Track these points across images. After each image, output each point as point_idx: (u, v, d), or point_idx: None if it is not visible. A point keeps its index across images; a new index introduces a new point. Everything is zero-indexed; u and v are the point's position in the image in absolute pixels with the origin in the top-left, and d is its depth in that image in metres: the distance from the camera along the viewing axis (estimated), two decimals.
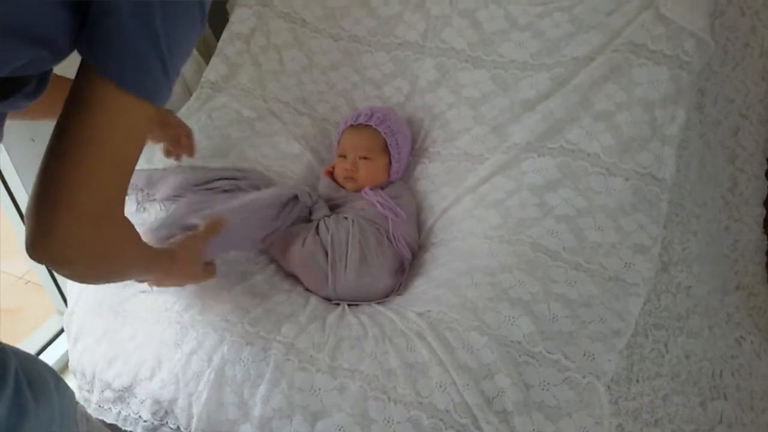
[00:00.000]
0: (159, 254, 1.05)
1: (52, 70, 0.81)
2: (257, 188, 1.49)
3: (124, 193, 0.79)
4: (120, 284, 1.34)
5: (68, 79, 0.87)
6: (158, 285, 1.19)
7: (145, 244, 0.89)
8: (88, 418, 1.02)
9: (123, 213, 0.81)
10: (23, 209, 1.71)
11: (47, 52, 0.74)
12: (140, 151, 0.79)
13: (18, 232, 1.77)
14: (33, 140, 1.61)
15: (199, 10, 0.76)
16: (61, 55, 0.76)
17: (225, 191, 1.46)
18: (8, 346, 0.83)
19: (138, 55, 0.71)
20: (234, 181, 1.49)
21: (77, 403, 0.96)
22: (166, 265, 1.08)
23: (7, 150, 1.57)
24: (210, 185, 1.47)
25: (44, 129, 1.63)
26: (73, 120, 0.73)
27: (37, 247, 0.74)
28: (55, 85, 0.91)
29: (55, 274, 1.84)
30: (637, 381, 1.19)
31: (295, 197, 1.46)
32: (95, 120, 0.72)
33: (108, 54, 0.70)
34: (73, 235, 0.73)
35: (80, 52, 0.73)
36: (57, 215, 0.72)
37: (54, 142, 0.74)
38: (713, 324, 1.35)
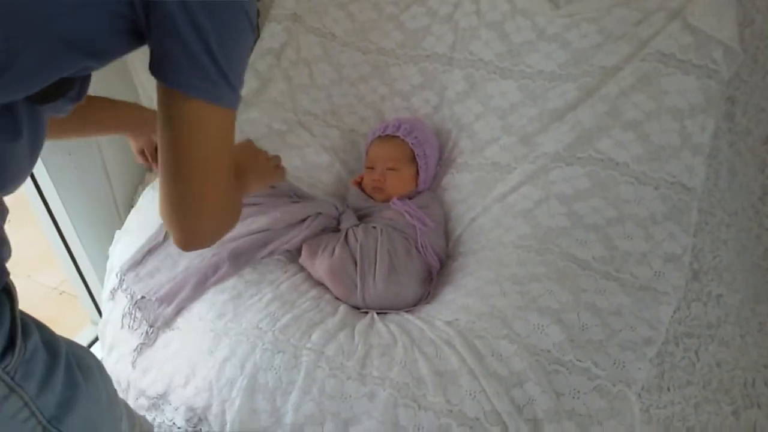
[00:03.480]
0: (241, 185, 1.15)
1: (90, 76, 0.87)
2: (289, 197, 1.52)
3: (231, 176, 0.90)
4: None
5: (95, 97, 1.01)
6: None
7: (233, 185, 0.96)
8: (125, 403, 1.09)
9: (233, 186, 0.92)
10: (59, 221, 1.75)
11: (98, 62, 0.81)
12: (232, 146, 0.89)
13: (53, 243, 1.81)
14: (70, 154, 1.65)
15: (247, 19, 0.81)
16: (108, 62, 0.83)
17: (253, 204, 1.50)
18: (57, 334, 0.90)
19: (204, 70, 0.78)
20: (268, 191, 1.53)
21: (115, 389, 1.03)
22: (249, 185, 1.20)
23: (44, 164, 1.61)
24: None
25: (81, 143, 1.67)
26: (173, 143, 0.81)
27: (192, 245, 0.88)
28: (86, 104, 0.98)
29: (89, 285, 1.88)
30: (668, 389, 1.19)
31: (318, 213, 1.50)
32: (194, 136, 0.81)
33: (183, 76, 0.78)
34: (215, 226, 0.89)
35: (156, 77, 0.80)
36: (198, 222, 0.86)
37: (168, 163, 0.83)
38: (745, 333, 1.34)
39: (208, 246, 0.91)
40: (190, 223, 0.86)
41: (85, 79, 0.87)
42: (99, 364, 0.97)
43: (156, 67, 0.79)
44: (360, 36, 1.89)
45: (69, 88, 0.83)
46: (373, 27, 1.88)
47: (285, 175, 1.35)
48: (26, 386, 0.80)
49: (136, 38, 0.81)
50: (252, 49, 0.84)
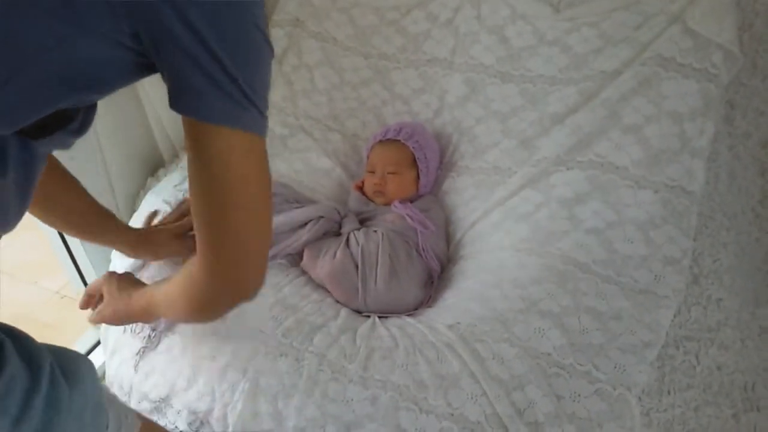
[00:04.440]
0: None
1: (96, 106, 0.83)
2: (290, 202, 1.53)
3: (271, 210, 0.84)
4: None
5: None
6: None
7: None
8: (112, 400, 1.03)
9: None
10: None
11: (97, 94, 0.77)
12: (270, 180, 0.82)
13: (56, 248, 1.81)
14: (72, 159, 1.65)
15: (261, 36, 0.76)
16: (110, 94, 0.79)
17: None
18: (43, 344, 0.86)
19: (227, 97, 0.73)
20: None
21: (102, 386, 0.98)
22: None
23: None
24: None
25: (83, 146, 1.67)
26: (203, 184, 0.77)
27: (242, 294, 0.84)
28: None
29: None
30: (669, 392, 1.19)
31: (320, 217, 1.50)
32: (220, 170, 0.75)
33: (204, 103, 0.73)
34: (261, 274, 0.84)
35: (177, 110, 0.75)
36: (246, 266, 0.81)
37: (199, 214, 0.79)
38: (745, 336, 1.34)
39: (257, 291, 0.85)
40: (240, 267, 0.80)
41: (89, 110, 0.81)
42: (90, 370, 0.92)
43: (176, 102, 0.74)
44: (361, 41, 1.90)
45: (69, 121, 0.78)
46: (374, 32, 1.89)
47: None
48: None
49: (143, 70, 0.76)
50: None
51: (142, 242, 1.36)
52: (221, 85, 0.72)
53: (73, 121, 0.78)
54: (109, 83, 0.77)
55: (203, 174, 0.77)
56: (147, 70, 0.76)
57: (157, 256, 1.40)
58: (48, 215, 1.21)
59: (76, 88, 0.72)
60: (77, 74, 0.71)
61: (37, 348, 0.84)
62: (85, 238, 1.42)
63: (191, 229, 1.34)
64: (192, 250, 1.35)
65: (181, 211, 1.47)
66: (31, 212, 1.18)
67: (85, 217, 1.22)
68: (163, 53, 0.71)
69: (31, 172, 0.78)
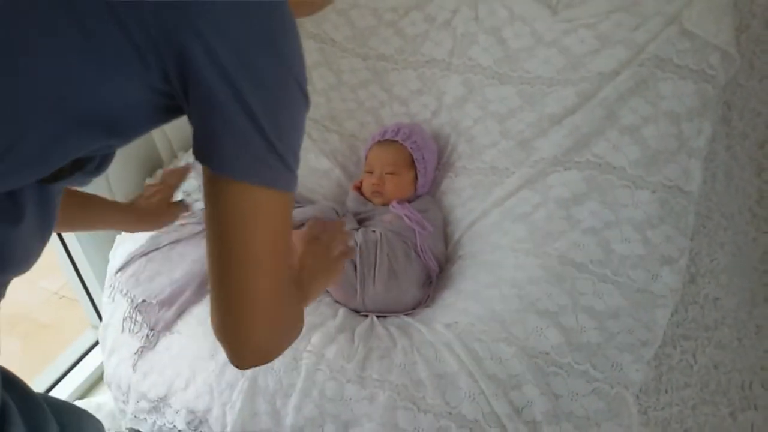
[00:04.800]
0: (305, 294, 1.00)
1: (114, 151, 0.80)
2: None
3: (288, 276, 0.79)
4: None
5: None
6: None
7: (293, 293, 0.85)
8: None
9: (291, 289, 0.81)
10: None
11: (122, 140, 0.74)
12: (291, 237, 0.77)
13: (54, 247, 1.81)
14: None
15: (299, 89, 0.71)
16: (134, 139, 0.76)
17: None
18: (48, 399, 0.84)
19: (254, 152, 0.68)
20: None
21: None
22: (314, 291, 1.05)
23: None
24: None
25: None
26: (220, 237, 0.71)
27: (247, 360, 0.76)
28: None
29: (89, 288, 1.89)
30: (666, 391, 1.20)
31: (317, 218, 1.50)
32: (245, 225, 0.70)
33: (230, 157, 0.68)
34: (272, 335, 0.76)
35: (200, 160, 0.70)
36: (252, 331, 0.73)
37: (217, 261, 0.72)
38: (742, 335, 1.35)
39: (266, 363, 0.79)
40: (244, 331, 0.73)
41: (108, 155, 0.78)
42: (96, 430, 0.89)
43: (200, 150, 0.69)
44: (359, 42, 1.90)
45: (86, 163, 0.75)
46: (373, 33, 1.89)
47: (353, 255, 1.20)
48: None
49: (171, 113, 0.72)
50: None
51: (142, 216, 1.31)
52: (252, 141, 0.67)
53: (90, 163, 0.75)
54: (135, 128, 0.73)
55: (217, 227, 0.71)
56: (174, 113, 0.73)
57: (159, 226, 1.36)
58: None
59: (100, 135, 0.69)
60: (102, 120, 0.68)
61: (43, 413, 0.82)
62: (85, 228, 1.41)
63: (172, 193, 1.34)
64: (175, 217, 1.32)
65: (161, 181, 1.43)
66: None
67: (83, 209, 1.18)
68: (192, 99, 0.67)
69: (48, 214, 0.76)
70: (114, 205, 1.26)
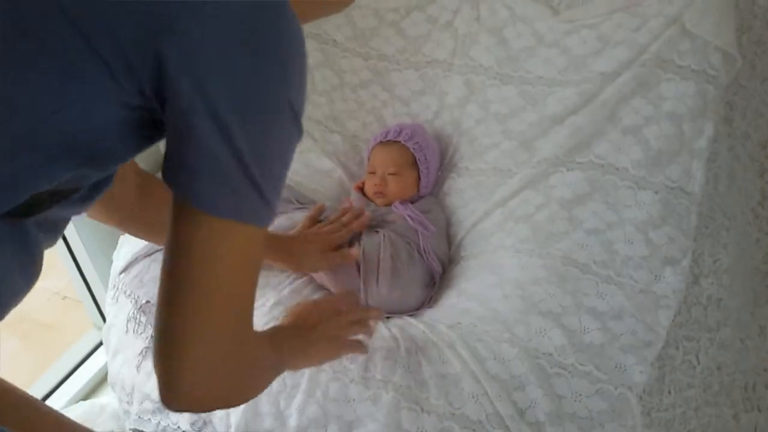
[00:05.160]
0: (277, 350, 0.91)
1: (109, 177, 0.73)
2: (291, 203, 1.54)
3: (246, 325, 0.71)
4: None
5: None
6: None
7: (255, 347, 0.78)
8: None
9: (248, 340, 0.73)
10: None
11: (97, 169, 0.67)
12: (256, 279, 0.70)
13: (57, 248, 1.81)
14: None
15: (291, 117, 0.63)
16: (111, 168, 0.70)
17: None
18: None
19: (226, 179, 0.61)
20: None
21: None
22: (290, 358, 0.96)
23: None
24: None
25: None
26: (174, 263, 0.64)
27: (171, 403, 0.68)
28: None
29: (93, 289, 1.89)
30: (669, 392, 1.20)
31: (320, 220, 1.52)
32: (195, 259, 0.63)
33: (200, 185, 0.61)
34: (198, 385, 0.67)
35: (167, 182, 0.63)
36: (179, 371, 0.65)
37: (161, 287, 0.66)
38: (745, 336, 1.35)
39: (199, 411, 0.72)
40: (178, 370, 0.65)
41: (97, 183, 0.71)
42: None
43: (169, 171, 0.62)
44: (361, 42, 1.90)
45: (71, 192, 0.68)
46: (374, 33, 1.89)
47: (365, 349, 1.12)
48: None
49: (155, 130, 0.65)
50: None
51: (283, 250, 1.33)
52: (228, 173, 0.60)
53: (76, 192, 0.68)
54: (111, 153, 0.65)
55: (178, 253, 0.64)
56: (158, 132, 0.66)
57: (299, 267, 1.39)
58: (149, 236, 1.20)
59: (71, 163, 0.62)
60: (72, 146, 0.60)
61: None
62: None
63: (337, 244, 1.38)
64: (334, 267, 1.35)
65: (311, 216, 1.48)
66: (131, 233, 1.21)
67: None
68: (168, 116, 0.60)
69: (27, 251, 0.68)
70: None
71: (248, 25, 0.58)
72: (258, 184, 0.62)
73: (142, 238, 1.29)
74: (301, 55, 0.64)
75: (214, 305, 0.65)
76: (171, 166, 0.62)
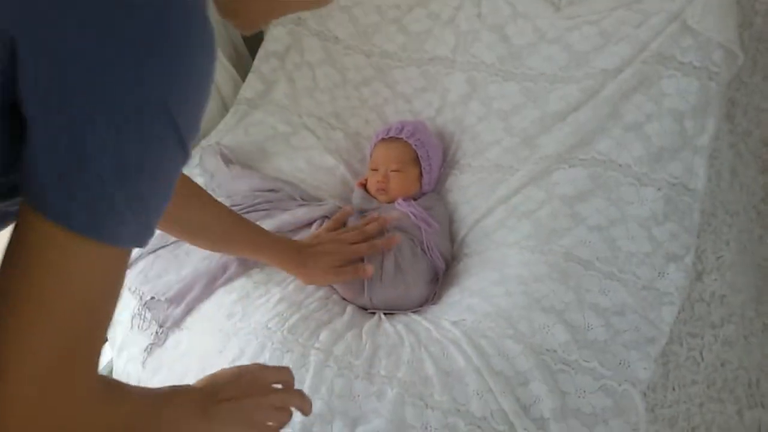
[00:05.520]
0: (146, 414, 0.74)
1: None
2: (294, 200, 1.54)
3: (94, 363, 0.58)
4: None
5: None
6: None
7: (102, 401, 0.62)
8: None
9: (85, 387, 0.58)
10: None
11: None
12: (111, 309, 0.58)
13: None
14: None
15: (171, 130, 0.54)
16: None
17: (264, 210, 1.54)
18: None
19: (74, 182, 0.52)
20: (275, 193, 1.55)
21: None
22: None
23: None
24: (259, 197, 1.56)
25: None
26: (9, 272, 0.54)
27: None
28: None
29: None
30: (673, 389, 1.20)
31: (325, 217, 1.52)
32: (35, 272, 0.52)
33: (36, 181, 0.52)
34: (14, 412, 0.53)
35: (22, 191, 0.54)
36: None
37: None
38: (748, 333, 1.35)
39: None
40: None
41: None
42: None
43: (21, 171, 0.53)
44: (363, 39, 1.90)
45: None
46: (376, 30, 1.89)
47: None
48: None
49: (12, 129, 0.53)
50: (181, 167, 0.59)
51: (295, 261, 1.34)
52: (74, 169, 0.51)
53: None
54: None
55: (13, 262, 0.54)
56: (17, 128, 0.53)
57: (310, 281, 1.38)
58: (196, 239, 1.25)
59: None
60: None
61: None
62: (235, 253, 1.39)
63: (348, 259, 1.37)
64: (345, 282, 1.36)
65: (337, 219, 1.48)
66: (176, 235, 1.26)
67: (230, 234, 1.23)
68: (27, 114, 0.51)
69: None
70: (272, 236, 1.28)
71: (123, 10, 0.51)
72: (109, 194, 0.52)
73: (184, 240, 1.33)
74: (194, 56, 0.54)
75: (39, 329, 0.53)
76: (23, 167, 0.53)
